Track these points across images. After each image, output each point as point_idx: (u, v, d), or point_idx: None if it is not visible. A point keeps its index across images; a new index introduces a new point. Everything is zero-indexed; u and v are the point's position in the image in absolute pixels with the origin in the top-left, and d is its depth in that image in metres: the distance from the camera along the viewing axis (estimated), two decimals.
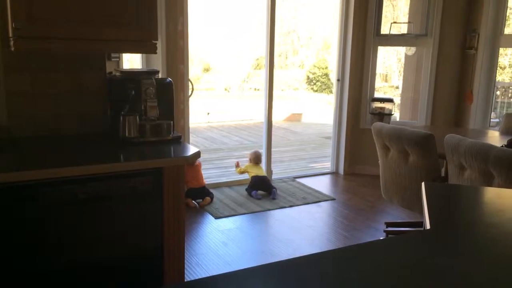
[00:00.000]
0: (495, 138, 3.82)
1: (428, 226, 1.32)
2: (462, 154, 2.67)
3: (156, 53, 2.20)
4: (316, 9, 4.90)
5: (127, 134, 2.19)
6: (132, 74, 2.36)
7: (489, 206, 1.60)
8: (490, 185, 2.54)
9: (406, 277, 1.05)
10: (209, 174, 5.41)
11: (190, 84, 4.60)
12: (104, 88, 2.39)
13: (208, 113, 8.65)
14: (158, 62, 4.26)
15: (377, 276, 1.05)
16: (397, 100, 6.40)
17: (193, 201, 4.36)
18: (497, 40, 4.99)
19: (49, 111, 2.30)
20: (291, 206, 4.44)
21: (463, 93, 5.32)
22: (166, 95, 2.37)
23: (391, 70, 5.87)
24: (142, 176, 1.93)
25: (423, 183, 1.71)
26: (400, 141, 3.12)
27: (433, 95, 5.36)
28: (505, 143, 3.00)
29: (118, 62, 3.59)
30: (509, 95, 6.91)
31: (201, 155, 4.64)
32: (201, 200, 4.41)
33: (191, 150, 2.14)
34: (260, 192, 4.71)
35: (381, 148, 3.37)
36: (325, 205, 4.54)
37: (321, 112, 5.99)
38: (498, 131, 4.07)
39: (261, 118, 5.17)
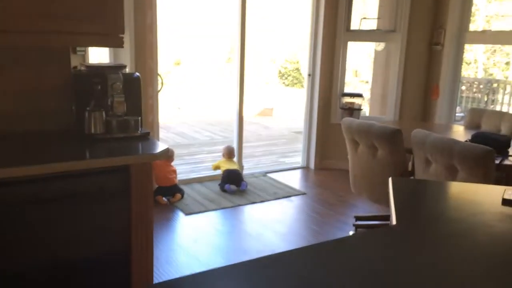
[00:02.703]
0: (460, 132, 3.92)
1: (394, 222, 1.34)
2: (427, 149, 2.73)
3: (122, 47, 2.15)
4: (288, 3, 4.91)
5: (92, 131, 2.14)
6: (98, 69, 2.30)
7: (453, 201, 1.64)
8: (454, 179, 2.61)
9: (373, 273, 1.06)
10: (180, 170, 5.35)
11: (159, 78, 4.53)
12: (69, 83, 2.32)
13: (179, 108, 8.55)
14: (126, 57, 4.17)
15: (345, 274, 1.06)
16: (368, 95, 6.48)
17: (163, 198, 4.30)
18: (462, 36, 5.11)
19: (10, 108, 2.22)
20: (262, 202, 4.44)
21: (429, 88, 5.43)
22: (133, 90, 2.32)
23: (362, 65, 5.94)
24: (109, 174, 1.88)
25: (390, 179, 1.74)
26: (369, 136, 3.16)
27: (401, 90, 5.45)
28: (469, 138, 3.08)
29: (84, 55, 3.51)
30: (474, 90, 7.11)
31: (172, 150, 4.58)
32: (171, 196, 4.36)
33: (160, 146, 2.10)
34: (233, 186, 4.70)
35: (351, 143, 3.40)
36: (296, 200, 4.57)
37: (292, 106, 6.01)
38: (463, 125, 4.17)
39: (233, 113, 5.14)
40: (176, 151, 5.10)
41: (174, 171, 4.57)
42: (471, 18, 5.06)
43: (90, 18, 2.02)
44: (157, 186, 4.36)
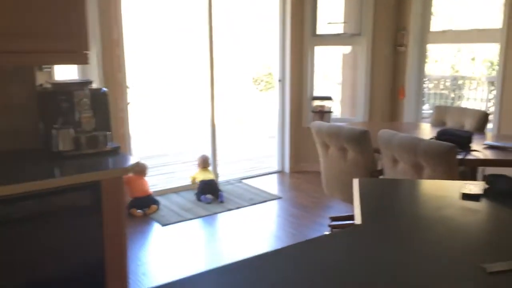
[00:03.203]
0: (427, 130, 4.04)
1: (359, 221, 1.39)
2: (394, 148, 2.82)
3: (88, 63, 2.16)
4: (256, 9, 4.98)
5: (61, 148, 2.13)
6: (64, 86, 2.30)
7: (415, 198, 1.71)
8: (421, 176, 2.70)
9: (338, 272, 1.11)
10: (155, 181, 5.33)
11: (128, 91, 4.52)
12: (35, 101, 2.31)
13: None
14: (94, 72, 4.16)
15: (312, 274, 1.10)
16: (339, 97, 6.59)
17: (138, 211, 4.28)
18: (424, 37, 5.27)
19: None
20: (238, 208, 4.47)
21: (396, 89, 5.57)
22: (101, 105, 2.33)
23: (332, 68, 6.06)
24: (80, 191, 1.89)
25: (354, 180, 1.80)
26: (339, 139, 3.24)
27: (369, 91, 5.57)
28: (435, 135, 3.18)
29: (50, 72, 3.48)
30: (441, 87, 7.33)
31: (146, 162, 4.57)
32: (147, 208, 4.35)
33: (130, 160, 2.11)
34: (209, 196, 4.70)
35: (321, 145, 3.47)
36: (272, 205, 4.61)
37: (265, 111, 6.07)
38: (430, 123, 4.30)
39: (206, 121, 5.16)
40: (151, 162, 5.09)
41: (147, 184, 4.56)
42: (433, 18, 5.21)
43: (54, 36, 2.03)
44: (131, 199, 4.34)
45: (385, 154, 2.94)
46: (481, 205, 1.51)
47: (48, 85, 2.36)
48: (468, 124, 3.89)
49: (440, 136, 3.12)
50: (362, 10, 5.41)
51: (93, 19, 4.03)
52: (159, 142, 7.58)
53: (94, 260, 1.97)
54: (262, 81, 13.93)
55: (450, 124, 4.06)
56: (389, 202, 1.62)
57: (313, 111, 5.64)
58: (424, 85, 5.46)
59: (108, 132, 2.27)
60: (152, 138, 6.35)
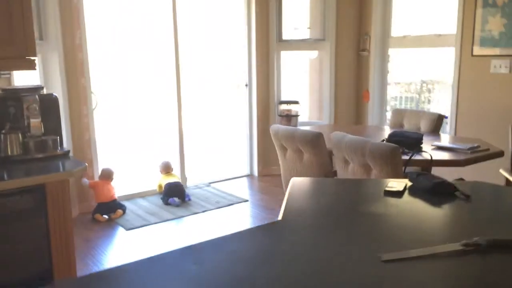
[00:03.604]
0: (384, 132, 4.16)
1: (280, 217, 1.47)
2: (344, 149, 2.91)
3: (35, 69, 2.19)
4: (221, 15, 5.02)
5: (9, 153, 2.16)
6: (13, 92, 2.33)
7: (342, 196, 1.78)
8: (369, 176, 2.80)
9: (251, 265, 1.18)
10: (122, 186, 5.32)
11: (94, 96, 4.53)
12: None
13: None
14: (56, 77, 4.17)
15: (228, 267, 1.17)
16: (307, 101, 6.70)
17: (103, 216, 4.29)
18: (386, 42, 5.42)
19: None
20: (204, 211, 4.52)
21: (361, 92, 5.71)
22: (52, 110, 2.36)
23: (300, 72, 6.17)
24: (23, 194, 1.92)
25: (292, 179, 1.87)
26: (294, 141, 3.33)
27: (334, 95, 5.70)
28: (386, 137, 3.29)
29: (10, 78, 3.50)
30: (412, 91, 7.49)
31: (111, 167, 4.57)
32: (113, 213, 4.36)
33: (77, 164, 2.15)
34: (177, 199, 4.73)
35: (279, 148, 3.56)
36: (238, 207, 4.67)
37: (232, 115, 6.11)
38: (388, 125, 4.43)
39: (173, 125, 5.20)
40: (118, 166, 5.08)
41: (113, 189, 4.57)
42: (393, 24, 5.37)
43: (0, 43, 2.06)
44: (97, 204, 4.35)
45: (337, 156, 3.03)
46: (399, 201, 1.60)
47: None
48: (423, 126, 4.03)
49: (391, 137, 3.24)
50: (325, 15, 5.54)
51: (55, 24, 4.06)
52: (126, 147, 7.48)
53: (41, 265, 2.00)
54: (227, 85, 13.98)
55: (407, 126, 4.20)
56: (315, 199, 1.70)
57: (280, 115, 5.73)
58: (395, 89, 5.59)
59: (57, 137, 2.30)
60: (119, 142, 6.31)
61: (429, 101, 7.37)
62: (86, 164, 2.17)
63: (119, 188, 4.75)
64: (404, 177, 2.71)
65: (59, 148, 2.31)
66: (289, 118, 5.71)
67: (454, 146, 3.15)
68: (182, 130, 5.21)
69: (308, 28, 5.82)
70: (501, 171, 3.32)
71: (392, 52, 5.43)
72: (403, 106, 5.40)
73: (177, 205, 4.64)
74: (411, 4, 5.21)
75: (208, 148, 7.11)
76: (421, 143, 3.22)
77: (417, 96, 7.40)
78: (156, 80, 5.04)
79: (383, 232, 1.36)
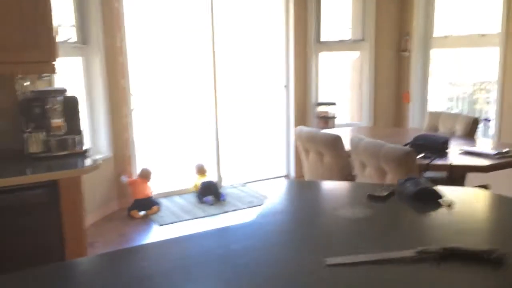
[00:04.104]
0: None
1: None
2: (361, 153, 2.88)
3: (55, 72, 2.37)
4: (259, 18, 5.09)
5: (32, 150, 2.35)
6: (39, 93, 2.52)
7: (323, 199, 1.78)
8: (384, 180, 2.74)
9: (200, 264, 1.23)
10: (159, 184, 5.46)
11: (132, 98, 4.75)
12: (16, 107, 2.54)
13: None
14: (98, 79, 4.42)
15: (185, 264, 1.23)
16: (348, 102, 6.61)
17: (139, 212, 4.49)
18: (428, 42, 5.24)
19: None
20: (234, 210, 4.61)
21: (401, 94, 5.55)
22: (73, 111, 2.53)
23: (340, 73, 6.11)
24: (38, 189, 2.08)
25: (287, 181, 1.90)
26: (315, 143, 3.32)
27: (374, 96, 5.58)
28: (410, 141, 3.19)
29: (50, 80, 3.76)
30: (469, 91, 7.17)
31: (150, 167, 4.74)
32: (149, 210, 4.55)
33: (91, 162, 2.30)
34: (211, 197, 4.84)
35: (303, 150, 3.56)
36: None
37: (271, 117, 6.14)
38: (424, 129, 4.28)
39: (211, 124, 5.32)
40: (156, 165, 5.27)
41: (149, 187, 4.76)
42: (434, 24, 5.17)
43: (24, 49, 2.25)
44: (134, 200, 4.56)
45: (355, 159, 3.00)
46: (378, 206, 1.58)
47: (29, 93, 2.59)
48: (459, 130, 3.86)
49: (415, 141, 3.15)
50: (365, 15, 5.45)
51: (97, 28, 4.30)
52: (165, 146, 7.59)
53: (53, 256, 2.16)
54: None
55: (442, 129, 4.04)
56: (297, 201, 1.71)
57: (317, 117, 5.70)
58: (452, 90, 5.35)
59: (76, 136, 2.46)
60: (158, 142, 6.48)
61: (488, 103, 7.00)
62: (101, 162, 2.31)
63: (157, 186, 4.94)
64: (444, 184, 2.64)
65: (79, 146, 2.47)
66: (326, 119, 5.67)
67: (483, 151, 3.01)
68: (218, 129, 5.33)
69: (349, 28, 5.74)
70: None
71: (435, 52, 5.23)
72: (459, 108, 5.15)
73: (211, 204, 4.76)
74: (454, 3, 4.99)
75: (246, 149, 7.18)
76: (447, 147, 3.10)
77: (472, 97, 7.06)
78: (194, 81, 5.20)
79: (343, 237, 1.36)
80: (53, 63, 2.32)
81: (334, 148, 3.18)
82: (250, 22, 5.73)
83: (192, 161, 5.38)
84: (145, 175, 4.77)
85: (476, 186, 3.34)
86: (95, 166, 2.25)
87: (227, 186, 5.45)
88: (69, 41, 4.17)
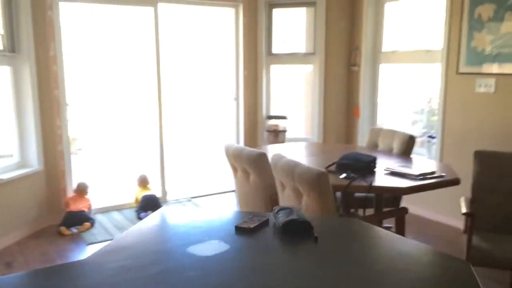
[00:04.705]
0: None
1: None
2: (279, 172, 2.74)
3: None
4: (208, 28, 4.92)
5: None
6: None
7: (180, 232, 1.63)
8: (301, 202, 2.61)
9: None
10: (97, 199, 5.24)
11: (69, 108, 4.55)
12: None
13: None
14: (28, 89, 4.20)
15: None
16: (299, 116, 6.50)
17: (69, 229, 4.26)
18: (377, 56, 5.18)
19: None
20: None
21: (351, 108, 5.48)
22: None
23: (292, 87, 6.01)
24: None
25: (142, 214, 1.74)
26: (241, 161, 3.18)
27: (324, 110, 5.49)
28: (337, 160, 3.07)
29: None
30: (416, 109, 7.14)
31: (86, 181, 4.53)
32: (80, 226, 4.33)
33: None
34: (150, 212, 4.66)
35: (232, 167, 3.41)
36: None
37: (219, 129, 5.92)
38: (365, 145, 4.19)
39: (155, 136, 5.13)
40: (94, 178, 5.06)
41: (87, 202, 4.56)
42: (384, 39, 5.12)
43: None
44: (65, 213, 4.33)
45: (276, 178, 2.86)
46: (242, 240, 1.43)
47: None
48: (396, 147, 3.77)
49: (341, 160, 3.03)
50: (315, 29, 5.37)
51: (28, 36, 4.09)
52: (105, 159, 7.27)
53: None
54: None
55: (382, 146, 3.95)
56: (155, 233, 1.55)
57: (267, 130, 5.58)
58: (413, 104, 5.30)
59: None
60: (96, 155, 6.19)
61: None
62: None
63: (95, 201, 4.72)
64: (336, 206, 2.51)
65: None
66: (277, 133, 5.56)
67: (408, 171, 2.90)
68: (163, 141, 5.15)
69: (297, 41, 5.66)
70: (461, 199, 3.03)
71: (384, 67, 5.18)
72: (423, 122, 5.03)
73: None
74: (401, 19, 4.95)
75: (193, 162, 6.95)
76: (373, 167, 3.00)
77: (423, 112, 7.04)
78: (137, 91, 5.02)
79: (176, 281, 1.20)
80: None
81: (258, 166, 3.03)
82: (200, 32, 5.61)
83: (134, 174, 5.18)
84: (81, 190, 4.58)
85: (394, 208, 3.25)
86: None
87: (172, 200, 5.26)
88: None
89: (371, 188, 2.62)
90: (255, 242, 1.43)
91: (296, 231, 1.44)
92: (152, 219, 1.62)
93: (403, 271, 1.23)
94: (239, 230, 1.49)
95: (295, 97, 6.05)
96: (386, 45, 5.09)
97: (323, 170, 2.44)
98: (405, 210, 3.19)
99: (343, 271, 1.24)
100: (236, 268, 1.26)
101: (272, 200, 3.00)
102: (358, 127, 5.41)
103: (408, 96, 5.11)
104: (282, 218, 1.48)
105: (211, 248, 1.37)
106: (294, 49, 5.60)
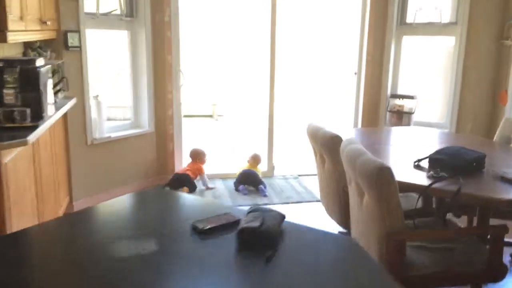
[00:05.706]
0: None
1: None
2: (345, 161, 2.31)
3: (6, 41, 2.30)
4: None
5: None
6: (5, 62, 2.49)
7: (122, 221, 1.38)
8: (362, 201, 2.15)
9: None
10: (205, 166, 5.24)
11: (182, 75, 4.63)
12: None
13: (214, 104, 7.12)
14: (143, 53, 4.38)
15: None
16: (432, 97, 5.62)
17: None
18: None
19: None
20: (266, 205, 4.24)
21: (497, 93, 4.50)
22: (30, 84, 2.46)
23: (424, 62, 5.23)
24: None
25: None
26: (317, 144, 2.79)
27: (460, 92, 4.63)
28: (422, 157, 2.45)
29: (80, 51, 3.81)
30: None
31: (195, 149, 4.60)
32: (181, 188, 4.44)
33: (28, 136, 2.20)
34: (248, 187, 4.58)
35: (313, 149, 3.04)
36: (305, 206, 4.26)
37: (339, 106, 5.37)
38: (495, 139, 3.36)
39: (265, 109, 4.96)
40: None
41: (199, 169, 4.62)
42: None
43: None
44: (173, 174, 4.48)
45: (346, 170, 2.42)
46: (185, 242, 1.14)
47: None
48: None
49: (435, 154, 2.43)
50: None
51: (145, 1, 4.22)
52: (218, 130, 7.18)
53: None
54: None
55: None
56: (99, 224, 1.34)
57: (390, 111, 4.96)
58: None
59: (26, 109, 2.39)
60: (211, 123, 6.11)
61: None
62: (28, 139, 2.19)
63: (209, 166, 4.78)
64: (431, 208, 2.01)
65: (29, 120, 2.40)
66: (401, 114, 4.90)
67: None
68: (273, 115, 4.96)
69: (435, 8, 4.80)
70: None
71: None
72: None
73: (245, 194, 4.48)
74: None
75: (304, 140, 6.50)
76: (477, 167, 2.33)
77: None
78: (250, 66, 4.88)
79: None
80: (4, 31, 2.25)
81: (331, 151, 2.62)
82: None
83: (243, 147, 5.11)
84: (195, 156, 4.69)
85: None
86: (19, 143, 2.13)
87: (278, 176, 5.08)
88: (113, 13, 4.17)
89: (458, 195, 2.02)
90: (198, 247, 1.14)
91: (254, 243, 1.10)
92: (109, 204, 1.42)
93: None
94: (193, 229, 1.21)
95: (428, 75, 5.22)
96: None
97: (386, 164, 1.94)
98: (505, 228, 2.36)
99: None
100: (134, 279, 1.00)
101: (345, 192, 2.57)
102: (504, 115, 4.42)
103: None
104: (244, 223, 1.15)
105: (134, 247, 1.12)
106: (431, 18, 4.77)
